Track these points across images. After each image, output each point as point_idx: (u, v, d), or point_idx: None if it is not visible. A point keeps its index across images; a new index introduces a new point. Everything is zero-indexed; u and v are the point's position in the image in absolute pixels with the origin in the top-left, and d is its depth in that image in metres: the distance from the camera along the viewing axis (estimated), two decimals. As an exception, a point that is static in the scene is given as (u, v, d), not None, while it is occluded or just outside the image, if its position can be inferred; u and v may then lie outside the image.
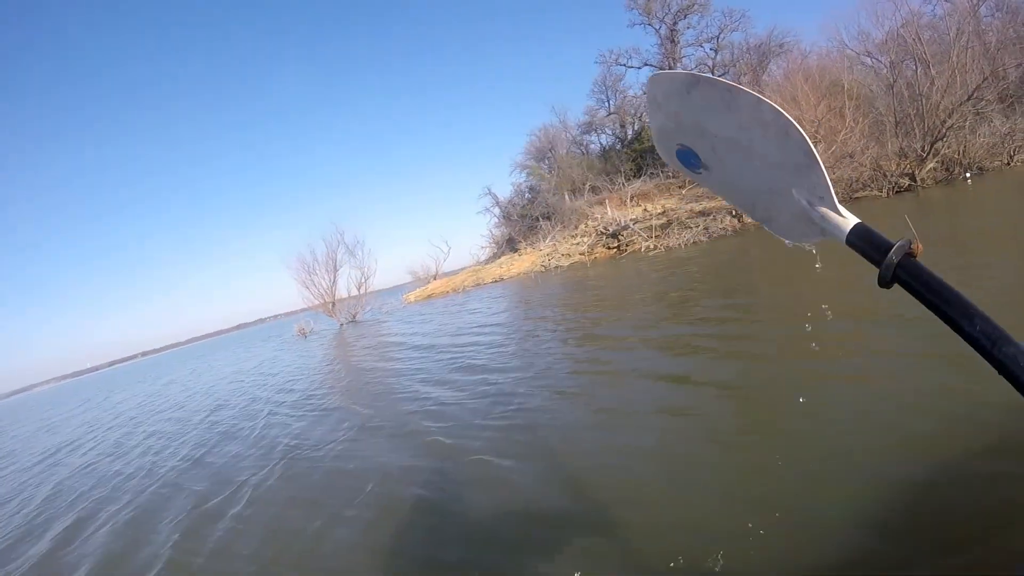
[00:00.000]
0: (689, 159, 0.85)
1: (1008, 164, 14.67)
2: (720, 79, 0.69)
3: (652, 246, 16.18)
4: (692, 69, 27.64)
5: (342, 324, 22.69)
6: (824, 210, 0.68)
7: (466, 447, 3.85)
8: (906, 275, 0.59)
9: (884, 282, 0.61)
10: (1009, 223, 7.66)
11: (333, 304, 23.48)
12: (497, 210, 35.17)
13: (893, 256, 0.60)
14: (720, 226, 15.51)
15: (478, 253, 34.52)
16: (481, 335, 9.10)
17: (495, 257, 30.85)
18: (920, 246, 0.60)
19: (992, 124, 14.96)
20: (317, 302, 23.46)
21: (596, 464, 3.14)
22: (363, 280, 24.82)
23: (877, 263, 0.62)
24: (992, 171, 14.45)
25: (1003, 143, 14.75)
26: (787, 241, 0.81)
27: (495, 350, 7.38)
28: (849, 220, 0.67)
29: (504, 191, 39.87)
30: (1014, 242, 6.19)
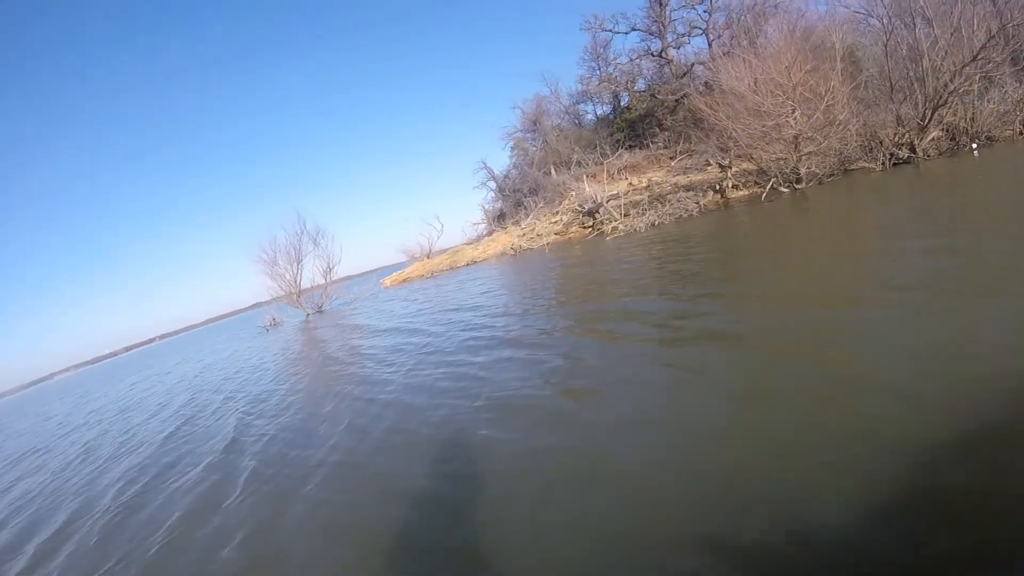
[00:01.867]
0: None
1: (1021, 134, 13.11)
2: None
3: (619, 227, 14.88)
4: (683, 34, 25.73)
5: (308, 314, 22.30)
6: None
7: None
8: None
9: None
10: (1013, 200, 6.79)
11: (298, 295, 22.86)
12: (493, 184, 34.06)
13: None
14: (688, 207, 14.17)
15: (471, 230, 33.08)
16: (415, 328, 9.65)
17: (489, 233, 29.73)
18: None
19: (1004, 89, 13.31)
20: (282, 293, 22.84)
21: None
22: (328, 269, 24.04)
23: None
24: (1002, 141, 12.96)
25: (1015, 110, 13.16)
26: None
27: (420, 340, 8.12)
28: None
29: (502, 164, 38.34)
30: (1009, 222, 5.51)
